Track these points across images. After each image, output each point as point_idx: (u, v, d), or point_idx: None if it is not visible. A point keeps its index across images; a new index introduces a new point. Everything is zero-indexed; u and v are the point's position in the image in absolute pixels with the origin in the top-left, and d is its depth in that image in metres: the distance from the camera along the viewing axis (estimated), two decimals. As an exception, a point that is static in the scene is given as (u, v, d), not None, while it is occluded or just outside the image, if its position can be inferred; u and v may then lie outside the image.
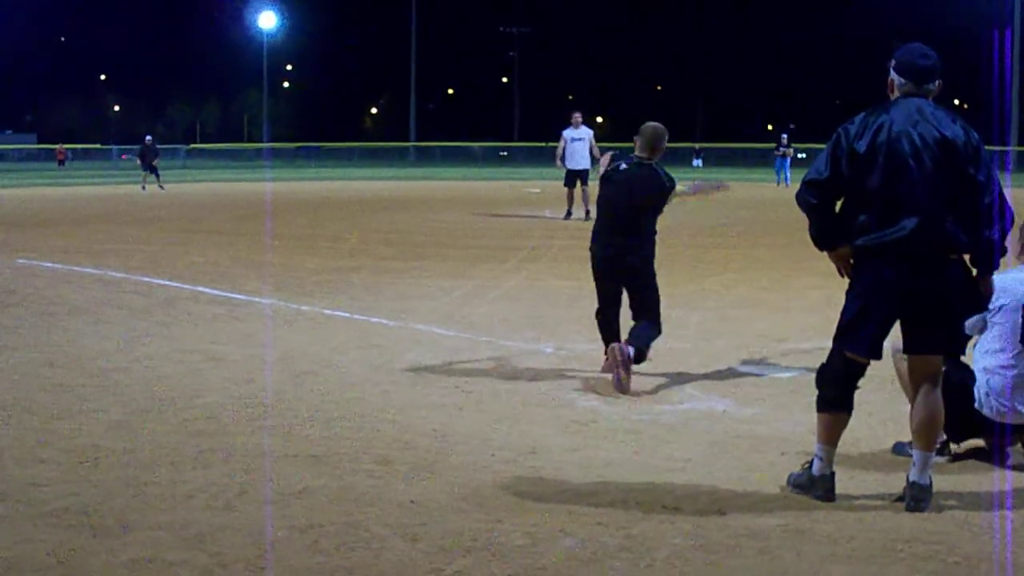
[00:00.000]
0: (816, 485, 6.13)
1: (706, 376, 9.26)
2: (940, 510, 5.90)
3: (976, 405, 6.69)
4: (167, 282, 14.65)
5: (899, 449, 6.98)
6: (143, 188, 42.80)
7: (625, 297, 9.43)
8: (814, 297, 13.62)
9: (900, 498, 6.03)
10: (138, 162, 45.85)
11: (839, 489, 6.12)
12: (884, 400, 8.32)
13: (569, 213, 26.64)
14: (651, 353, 9.18)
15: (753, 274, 16.19)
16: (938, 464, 6.73)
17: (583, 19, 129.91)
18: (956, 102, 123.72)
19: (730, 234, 23.47)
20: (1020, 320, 6.57)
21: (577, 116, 27.22)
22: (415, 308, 12.72)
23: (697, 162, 77.58)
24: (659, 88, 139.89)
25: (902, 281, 5.92)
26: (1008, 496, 6.21)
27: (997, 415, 6.63)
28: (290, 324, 11.64)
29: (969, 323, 6.29)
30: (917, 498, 5.93)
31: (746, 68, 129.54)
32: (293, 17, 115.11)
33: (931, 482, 5.98)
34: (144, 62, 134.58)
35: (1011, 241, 6.59)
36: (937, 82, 6.11)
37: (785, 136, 49.71)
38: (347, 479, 6.36)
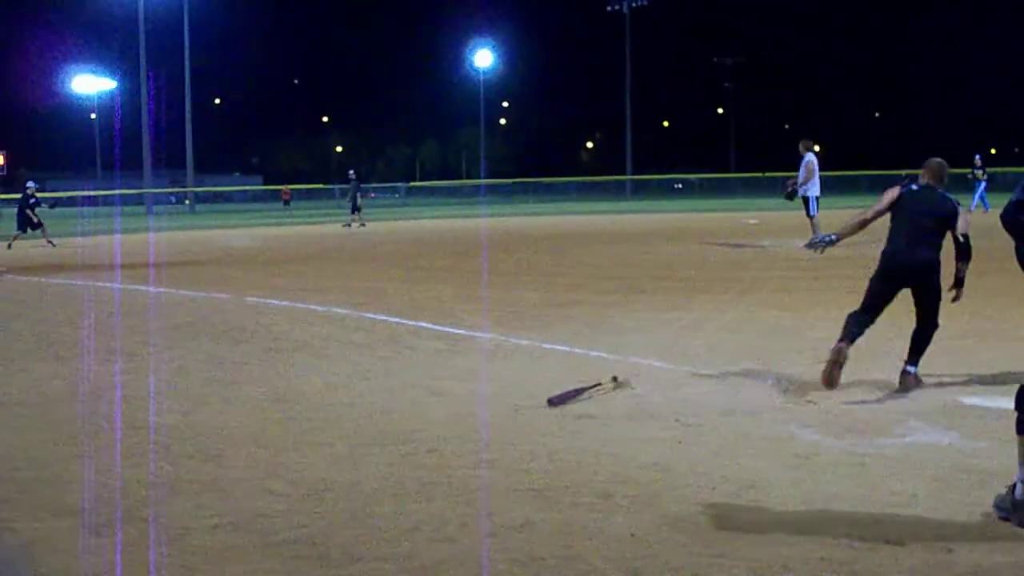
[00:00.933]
0: (1019, 510, 6.05)
1: (930, 408, 9.04)
2: None
3: None
4: (388, 318, 14.93)
5: None
6: (347, 226, 43.72)
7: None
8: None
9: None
10: (349, 201, 46.68)
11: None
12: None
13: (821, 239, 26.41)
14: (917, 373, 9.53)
15: (977, 302, 15.74)
16: None
17: (796, 46, 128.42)
18: None
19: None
20: None
21: (809, 142, 27.04)
22: (633, 341, 12.71)
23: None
24: (877, 115, 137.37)
25: None
26: None
27: None
28: (509, 358, 11.75)
29: None
30: None
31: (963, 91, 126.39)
32: (508, 55, 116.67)
33: None
34: (365, 102, 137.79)
35: None
36: None
37: (979, 157, 46.98)
38: (567, 512, 6.40)
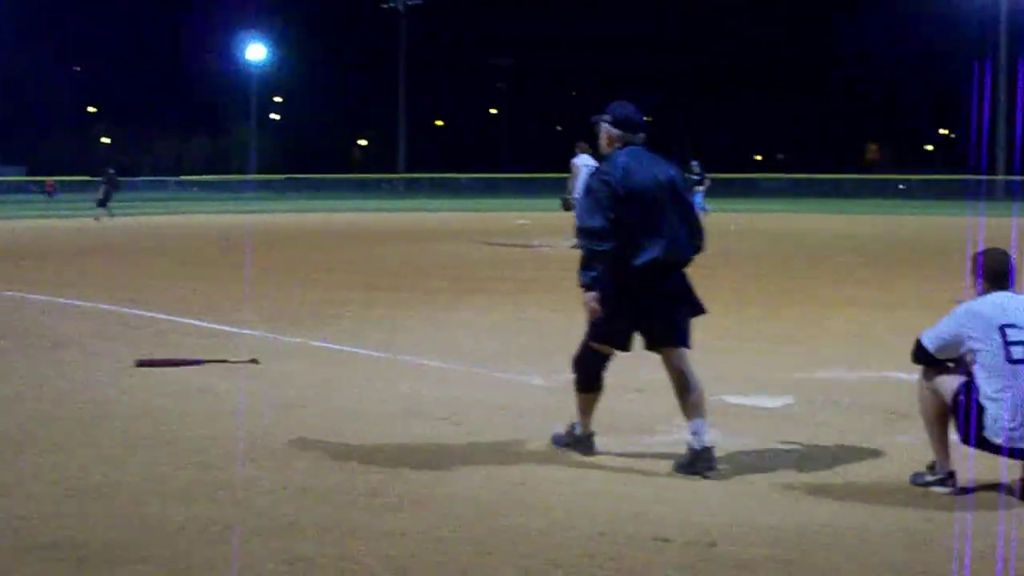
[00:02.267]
0: (582, 443, 7.73)
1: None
2: (931, 541, 5.91)
3: (986, 434, 6.69)
4: (155, 314, 14.61)
5: (917, 480, 6.99)
6: (96, 220, 42.55)
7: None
8: (802, 327, 13.70)
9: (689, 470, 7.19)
10: (100, 195, 45.43)
11: (837, 520, 6.15)
12: (871, 431, 8.37)
13: None
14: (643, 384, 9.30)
15: (742, 304, 16.21)
16: (938, 494, 6.77)
17: (569, 49, 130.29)
18: (942, 131, 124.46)
19: (714, 263, 23.50)
20: (1000, 341, 6.62)
21: (584, 144, 27.17)
22: (405, 340, 12.71)
23: None
24: (648, 119, 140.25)
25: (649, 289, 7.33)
26: (996, 525, 6.22)
27: (1009, 442, 6.64)
28: (279, 356, 11.62)
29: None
30: (708, 459, 7.19)
31: (730, 101, 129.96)
32: (281, 50, 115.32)
33: (712, 444, 7.28)
34: (134, 95, 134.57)
35: (969, 272, 7.10)
36: (643, 133, 7.61)
37: (696, 164, 44.81)
38: (337, 511, 6.35)
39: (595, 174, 7.50)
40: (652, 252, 7.26)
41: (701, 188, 43.75)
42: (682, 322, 7.52)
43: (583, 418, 7.75)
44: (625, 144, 7.53)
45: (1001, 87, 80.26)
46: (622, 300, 7.36)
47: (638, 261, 7.25)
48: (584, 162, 26.83)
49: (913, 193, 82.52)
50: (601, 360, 7.73)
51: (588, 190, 7.48)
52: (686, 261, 7.52)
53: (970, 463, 7.03)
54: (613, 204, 7.22)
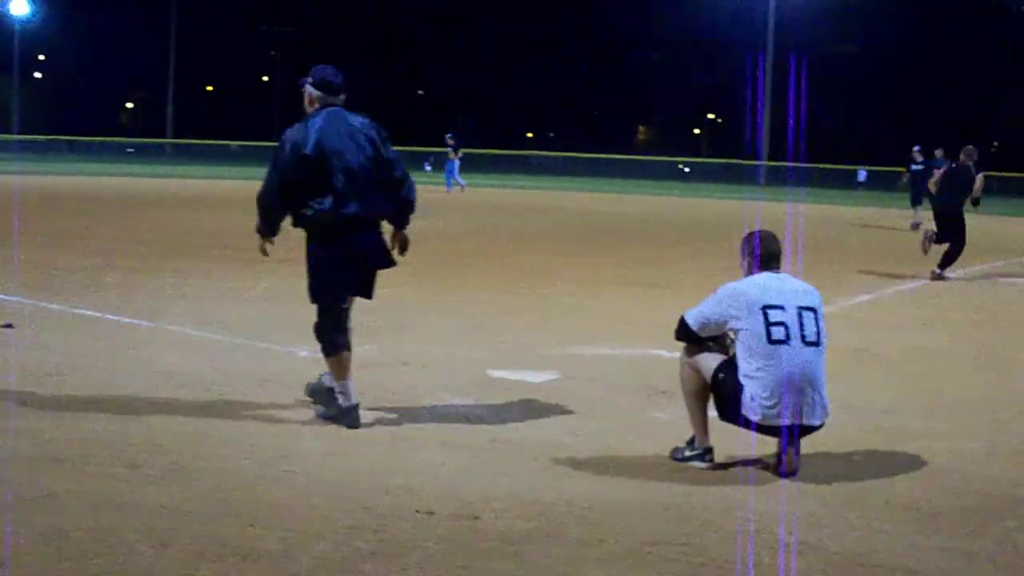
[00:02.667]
0: (345, 414, 7.73)
1: (462, 381, 9.31)
2: (690, 514, 6.06)
3: (744, 412, 6.87)
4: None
5: (676, 455, 7.15)
6: None
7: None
8: (569, 304, 13.91)
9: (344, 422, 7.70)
10: None
11: (599, 494, 6.26)
12: (634, 407, 8.55)
13: None
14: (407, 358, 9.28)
15: (510, 280, 16.36)
16: (696, 469, 6.95)
17: (344, 19, 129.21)
18: (711, 116, 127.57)
19: (485, 240, 23.70)
20: (762, 321, 6.82)
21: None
22: (169, 308, 12.47)
23: (428, 167, 76.96)
24: (420, 92, 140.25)
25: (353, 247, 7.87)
26: (751, 498, 6.41)
27: (765, 419, 6.83)
28: (38, 322, 11.27)
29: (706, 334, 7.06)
30: (355, 415, 7.71)
31: (507, 77, 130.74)
32: (47, 5, 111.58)
33: (358, 402, 7.76)
34: None
35: (739, 253, 7.33)
36: (343, 95, 8.01)
37: (450, 136, 45.20)
38: (95, 483, 6.20)
39: (284, 135, 8.02)
40: (349, 208, 7.77)
41: (456, 157, 44.05)
42: (374, 276, 8.10)
43: (339, 383, 7.82)
44: (325, 106, 7.95)
45: (768, 76, 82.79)
46: (322, 256, 8.08)
47: (335, 216, 7.82)
48: None
49: (687, 176, 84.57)
50: (334, 320, 8.01)
51: (276, 150, 8.05)
52: (382, 216, 8.01)
53: (729, 439, 7.23)
54: (294, 164, 7.82)
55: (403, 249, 8.22)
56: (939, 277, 18.48)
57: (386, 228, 8.08)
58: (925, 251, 19.10)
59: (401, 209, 8.08)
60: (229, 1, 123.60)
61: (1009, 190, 75.63)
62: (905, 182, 37.23)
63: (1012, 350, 12.12)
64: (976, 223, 21.32)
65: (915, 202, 33.63)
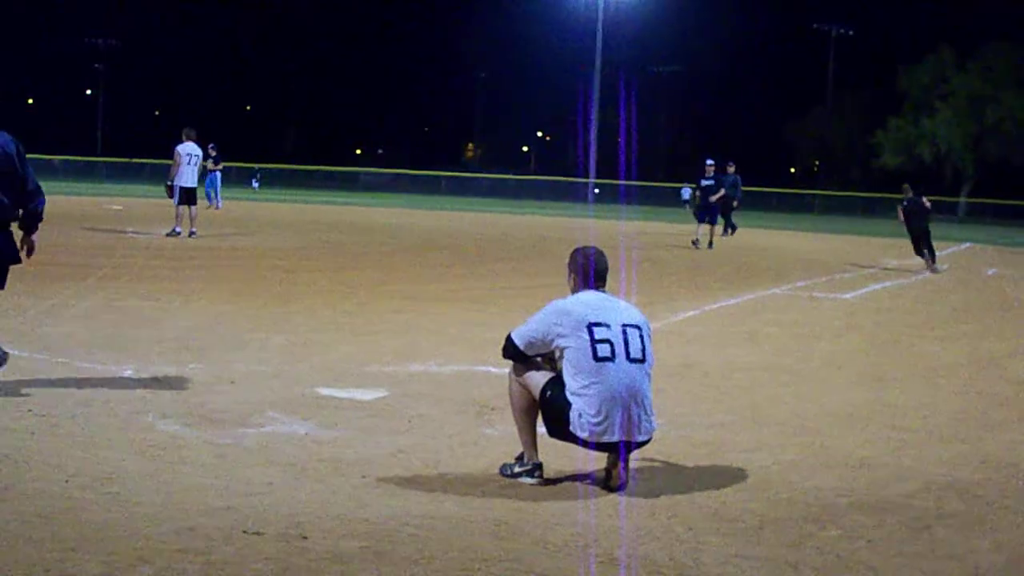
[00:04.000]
0: None
1: (288, 399, 9.22)
2: (520, 530, 6.07)
3: (572, 428, 6.91)
4: None
5: (505, 471, 7.17)
6: None
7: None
8: (396, 321, 13.87)
9: None
10: None
11: (429, 512, 6.24)
12: (463, 424, 8.56)
13: (176, 231, 26.49)
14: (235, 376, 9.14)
15: (338, 297, 16.27)
16: (526, 485, 6.98)
17: (173, 34, 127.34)
18: (540, 134, 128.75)
19: (313, 256, 23.55)
20: (587, 339, 6.88)
21: (191, 132, 27.06)
22: (-14, 327, 12.12)
23: (255, 184, 76.16)
24: (248, 108, 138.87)
25: None
26: (581, 513, 6.45)
27: (593, 436, 6.88)
28: None
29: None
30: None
31: (335, 93, 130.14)
32: None
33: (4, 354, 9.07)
34: None
35: (566, 270, 7.39)
36: None
37: (212, 147, 41.12)
38: (-94, 508, 5.99)
39: None
40: None
41: (216, 169, 42.23)
42: (6, 270, 9.09)
43: None
44: None
45: (595, 96, 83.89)
46: None
47: None
48: (187, 150, 26.63)
49: (515, 192, 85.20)
50: None
51: None
52: (9, 220, 8.99)
53: (557, 456, 7.28)
54: None
55: (30, 252, 9.31)
56: (935, 270, 26.31)
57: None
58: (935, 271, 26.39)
59: (29, 217, 9.15)
60: (49, 12, 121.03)
61: (831, 207, 78.16)
62: (696, 196, 36.33)
63: (829, 364, 12.43)
64: (798, 242, 21.80)
65: (701, 219, 32.44)
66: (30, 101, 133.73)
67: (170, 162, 27.08)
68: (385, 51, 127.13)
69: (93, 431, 7.93)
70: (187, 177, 26.57)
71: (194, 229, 26.37)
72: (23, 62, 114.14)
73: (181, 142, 26.75)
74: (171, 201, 26.94)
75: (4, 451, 7.25)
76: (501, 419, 8.38)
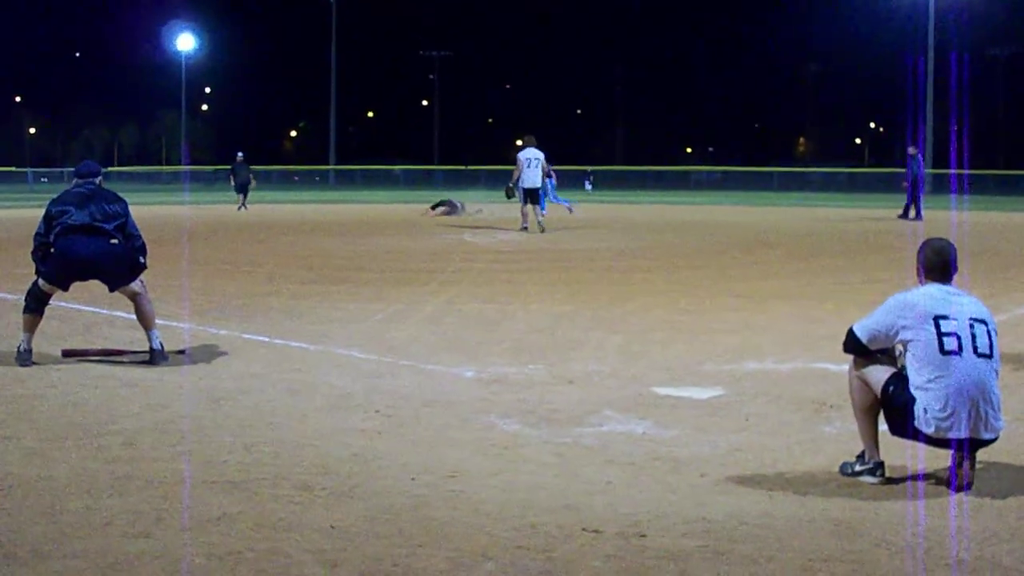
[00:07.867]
0: (21, 356, 10.39)
1: (625, 398, 9.28)
2: (861, 530, 5.95)
3: (916, 424, 6.75)
4: (81, 306, 14.43)
5: (845, 470, 7.05)
6: (240, 208, 43.26)
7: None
8: (732, 320, 13.76)
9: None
10: (231, 182, 46.41)
11: (767, 511, 6.18)
12: (801, 422, 8.43)
13: (524, 227, 29.23)
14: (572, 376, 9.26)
15: (673, 297, 16.27)
16: (867, 484, 6.82)
17: (503, 42, 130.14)
18: (872, 125, 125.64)
19: (648, 256, 23.62)
20: (934, 331, 6.69)
21: (531, 138, 29.31)
22: (335, 332, 12.65)
23: (588, 186, 76.90)
24: (579, 112, 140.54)
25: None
26: (924, 514, 6.27)
27: (938, 432, 6.70)
28: (208, 349, 11.52)
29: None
30: (163, 354, 10.59)
31: (664, 93, 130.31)
32: (212, 39, 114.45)
33: (162, 346, 10.61)
34: (61, 83, 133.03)
35: (915, 263, 7.15)
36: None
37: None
38: (267, 505, 6.31)
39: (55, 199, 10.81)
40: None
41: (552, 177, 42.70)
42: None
43: (26, 334, 10.54)
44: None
45: (930, 83, 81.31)
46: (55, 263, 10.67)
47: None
48: (528, 155, 28.28)
49: (847, 185, 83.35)
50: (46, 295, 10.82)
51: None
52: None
53: (899, 454, 7.09)
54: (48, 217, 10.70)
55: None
56: None
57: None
58: None
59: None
60: (388, 28, 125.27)
61: None
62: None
63: None
64: None
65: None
66: (371, 114, 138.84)
67: (511, 168, 29.07)
68: (713, 50, 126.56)
69: (437, 431, 8.17)
70: (529, 179, 28.24)
71: (542, 222, 29.10)
72: (364, 77, 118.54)
73: (522, 148, 28.64)
74: (511, 202, 29.36)
75: (353, 450, 7.55)
76: (840, 416, 8.22)
